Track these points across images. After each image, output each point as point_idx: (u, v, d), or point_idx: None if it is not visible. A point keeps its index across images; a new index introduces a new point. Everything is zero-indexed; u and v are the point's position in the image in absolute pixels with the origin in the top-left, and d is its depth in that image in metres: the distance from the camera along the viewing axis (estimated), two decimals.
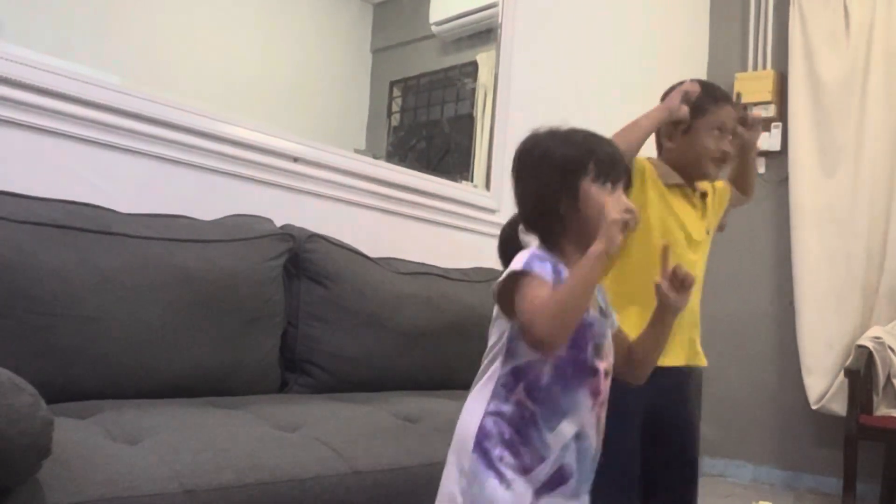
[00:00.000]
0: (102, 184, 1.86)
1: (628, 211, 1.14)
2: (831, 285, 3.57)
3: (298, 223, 2.11)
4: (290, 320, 2.01)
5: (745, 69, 4.00)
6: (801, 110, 3.72)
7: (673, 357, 1.64)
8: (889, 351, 3.20)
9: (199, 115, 2.04)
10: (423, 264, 2.38)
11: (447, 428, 1.61)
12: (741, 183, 1.87)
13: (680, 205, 1.68)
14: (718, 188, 1.81)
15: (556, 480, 1.13)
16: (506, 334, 1.16)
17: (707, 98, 1.72)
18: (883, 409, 3.15)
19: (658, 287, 1.22)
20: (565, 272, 1.14)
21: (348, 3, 3.10)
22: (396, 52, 3.22)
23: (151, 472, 1.14)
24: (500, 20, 2.99)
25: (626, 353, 1.28)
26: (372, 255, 2.22)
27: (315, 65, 2.90)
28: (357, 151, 2.64)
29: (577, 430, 1.15)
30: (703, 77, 4.11)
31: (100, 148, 1.87)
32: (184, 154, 2.02)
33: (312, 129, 2.50)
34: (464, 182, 2.91)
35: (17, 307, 1.48)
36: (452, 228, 2.75)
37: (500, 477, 1.10)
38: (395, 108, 3.13)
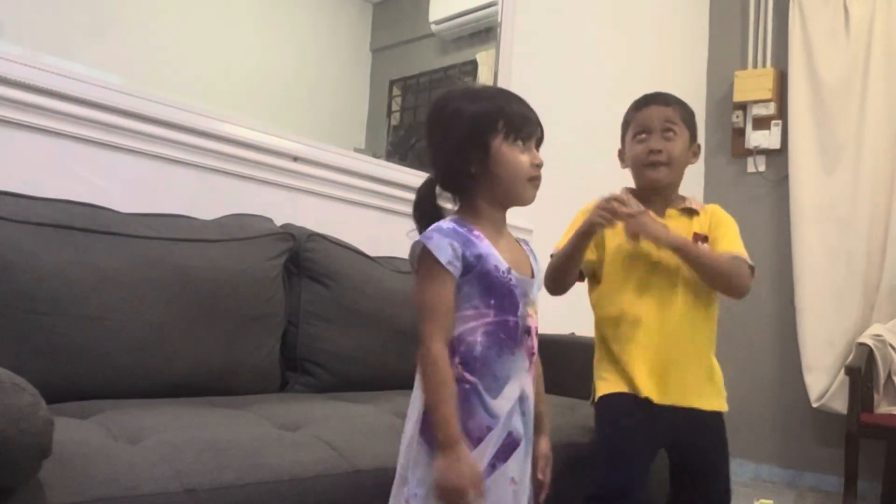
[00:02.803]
0: (103, 184, 1.86)
1: (538, 166, 1.19)
2: (832, 283, 3.57)
3: (298, 222, 2.11)
4: (290, 319, 2.01)
5: (744, 67, 3.99)
6: (800, 108, 3.71)
7: (666, 395, 1.63)
8: (890, 349, 3.19)
9: (199, 115, 2.04)
10: None
11: None
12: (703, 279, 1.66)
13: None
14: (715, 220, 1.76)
15: (509, 447, 1.14)
16: None
17: (629, 110, 1.75)
18: (884, 407, 3.15)
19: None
20: (480, 241, 1.15)
21: (348, 2, 3.10)
22: (396, 51, 3.22)
23: (152, 471, 1.13)
24: (499, 19, 2.99)
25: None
26: (372, 254, 2.22)
27: (315, 64, 2.90)
28: (357, 150, 2.64)
29: (520, 392, 1.16)
30: (703, 74, 4.14)
31: (100, 148, 1.87)
32: (184, 153, 2.02)
33: (312, 129, 2.50)
34: None
35: (17, 307, 1.48)
36: None
37: None
38: (394, 107, 3.13)
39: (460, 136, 1.18)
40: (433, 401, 1.09)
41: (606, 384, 1.68)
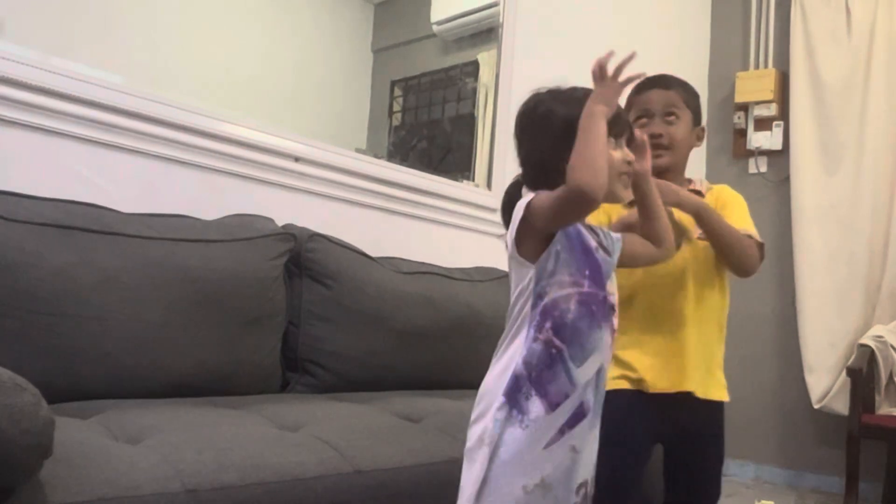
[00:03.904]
0: (104, 184, 1.86)
1: (629, 163, 1.22)
2: (833, 284, 3.56)
3: (300, 223, 2.12)
4: (291, 320, 2.01)
5: (746, 68, 3.99)
6: (802, 109, 3.71)
7: (669, 381, 1.59)
8: (891, 350, 3.19)
9: (201, 115, 2.04)
10: (425, 264, 2.38)
11: (449, 427, 1.63)
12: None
13: None
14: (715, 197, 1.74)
15: (577, 416, 1.17)
16: (532, 278, 1.17)
17: (630, 94, 1.69)
18: (885, 408, 3.14)
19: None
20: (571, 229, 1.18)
21: (349, 2, 3.11)
22: (398, 52, 3.22)
23: (153, 471, 1.14)
24: (501, 19, 2.99)
25: (645, 242, 1.35)
26: (373, 254, 2.22)
27: (316, 64, 2.90)
28: (358, 151, 2.64)
29: (599, 366, 1.20)
30: (705, 76, 4.13)
31: (102, 148, 1.87)
32: (185, 154, 2.02)
33: (314, 129, 2.50)
34: (465, 181, 2.91)
35: (19, 307, 1.48)
36: (454, 228, 2.75)
37: (523, 416, 1.13)
38: (396, 107, 3.13)
39: (554, 136, 1.19)
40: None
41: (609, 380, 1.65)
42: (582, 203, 1.11)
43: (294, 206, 2.23)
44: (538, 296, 1.16)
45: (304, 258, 2.05)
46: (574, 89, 1.24)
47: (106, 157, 1.88)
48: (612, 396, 1.63)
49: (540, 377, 1.14)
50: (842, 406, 3.33)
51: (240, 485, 1.20)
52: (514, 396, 1.14)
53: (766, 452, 3.79)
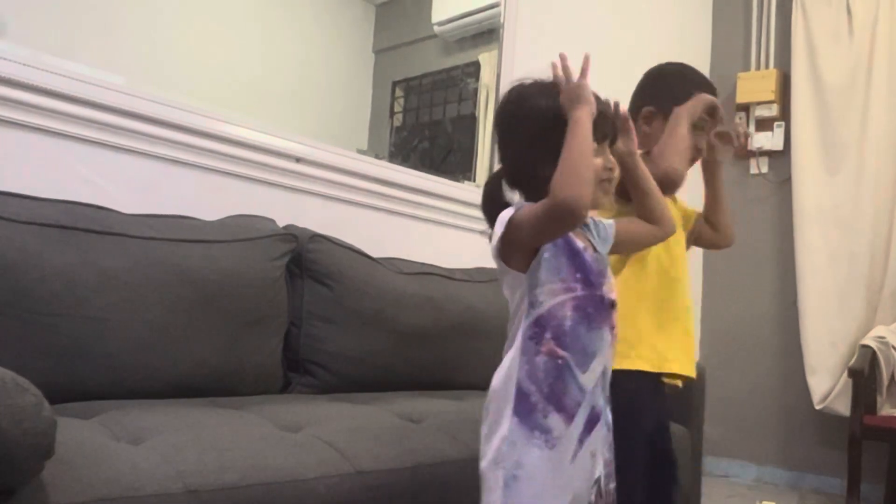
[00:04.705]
0: (106, 184, 1.86)
1: (611, 169, 1.18)
2: (835, 285, 3.56)
3: (301, 223, 2.11)
4: (292, 320, 2.01)
5: (747, 68, 3.99)
6: (803, 110, 3.71)
7: (682, 365, 1.57)
8: (893, 350, 3.19)
9: (202, 116, 2.04)
10: (426, 264, 2.38)
11: (450, 428, 1.62)
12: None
13: None
14: (682, 205, 1.72)
15: (592, 421, 1.16)
16: (524, 287, 1.16)
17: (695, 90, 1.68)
18: (887, 409, 3.14)
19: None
20: None
21: (350, 3, 3.10)
22: (399, 53, 3.22)
23: (155, 472, 1.14)
24: (502, 20, 2.99)
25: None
26: (375, 255, 2.22)
27: (317, 65, 2.90)
28: (359, 152, 2.64)
29: (603, 368, 1.19)
30: (706, 76, 4.12)
31: (103, 148, 1.87)
32: (186, 154, 2.02)
33: (315, 130, 2.50)
34: (466, 182, 2.91)
35: (20, 307, 1.48)
36: (455, 228, 2.75)
37: (547, 435, 1.11)
38: (397, 108, 3.13)
39: (532, 135, 1.17)
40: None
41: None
42: (567, 219, 1.10)
43: (295, 207, 2.23)
44: (531, 305, 1.15)
45: (305, 259, 2.05)
46: (557, 85, 1.19)
47: (107, 158, 1.88)
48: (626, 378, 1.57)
49: (552, 391, 1.13)
50: (843, 407, 3.33)
51: (241, 485, 1.20)
52: (531, 417, 1.12)
53: (768, 454, 3.79)
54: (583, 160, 1.09)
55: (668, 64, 1.71)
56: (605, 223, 1.28)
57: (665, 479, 1.63)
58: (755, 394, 3.83)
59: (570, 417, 1.13)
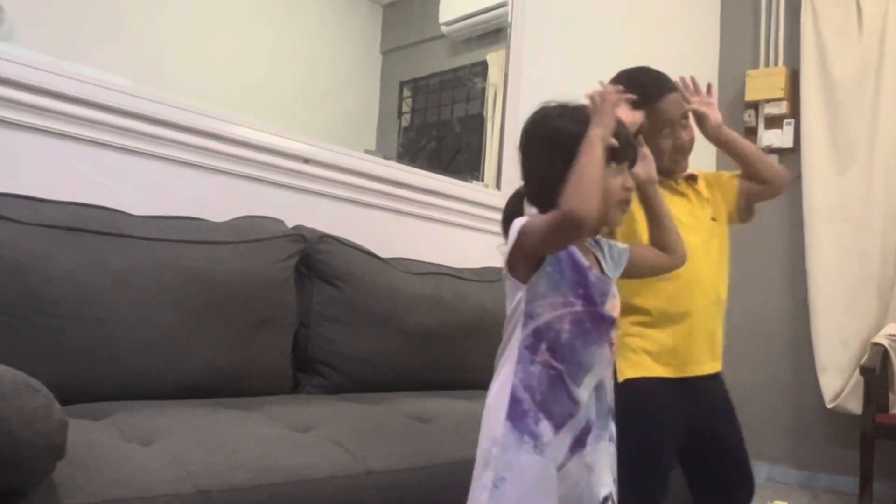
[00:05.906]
0: (114, 186, 1.87)
1: (628, 189, 1.22)
2: (845, 283, 3.54)
3: (310, 224, 2.12)
4: (301, 321, 2.01)
5: (756, 66, 3.97)
6: (813, 107, 3.69)
7: (697, 364, 1.59)
8: None
9: (210, 117, 2.05)
10: (435, 264, 2.38)
11: (460, 428, 1.62)
12: (747, 172, 1.72)
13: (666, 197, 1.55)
14: (723, 176, 1.76)
15: (584, 433, 1.18)
16: (522, 298, 1.17)
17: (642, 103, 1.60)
18: None
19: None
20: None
21: (358, 4, 3.11)
22: (406, 53, 3.22)
23: (165, 472, 1.14)
24: (509, 20, 2.98)
25: (655, 250, 1.37)
26: (383, 255, 2.22)
27: (325, 66, 2.90)
28: (367, 152, 2.64)
29: (597, 381, 1.20)
30: (715, 74, 4.12)
31: (111, 150, 1.87)
32: (195, 156, 2.02)
33: (323, 131, 2.50)
34: (474, 182, 2.91)
35: (30, 309, 1.49)
36: (464, 228, 2.75)
37: (536, 440, 1.13)
38: (405, 108, 3.13)
39: (558, 157, 1.17)
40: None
41: (632, 365, 1.57)
42: (572, 229, 1.11)
43: (304, 208, 2.24)
44: (528, 315, 1.17)
45: (314, 259, 2.05)
46: (582, 108, 1.22)
47: (115, 160, 1.88)
48: (640, 385, 1.57)
49: (544, 400, 1.14)
50: (855, 405, 3.31)
51: (251, 486, 1.20)
52: (523, 422, 1.14)
53: (779, 452, 3.77)
54: (590, 176, 1.11)
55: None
56: (620, 247, 1.29)
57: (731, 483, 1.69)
58: (766, 392, 3.81)
59: (558, 426, 1.15)
